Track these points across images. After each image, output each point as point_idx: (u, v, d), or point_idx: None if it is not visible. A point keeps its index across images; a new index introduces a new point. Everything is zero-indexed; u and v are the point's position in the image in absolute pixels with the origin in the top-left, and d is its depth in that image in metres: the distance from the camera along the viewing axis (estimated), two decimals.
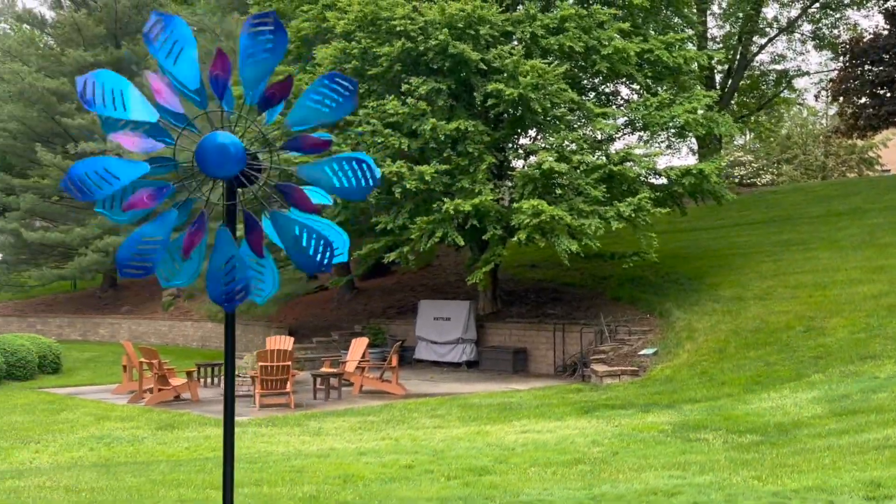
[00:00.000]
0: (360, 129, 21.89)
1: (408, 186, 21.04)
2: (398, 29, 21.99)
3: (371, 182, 6.53)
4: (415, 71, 22.73)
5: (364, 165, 6.49)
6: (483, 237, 22.26)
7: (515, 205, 21.18)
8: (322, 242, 6.53)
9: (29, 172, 39.87)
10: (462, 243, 22.11)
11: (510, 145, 24.59)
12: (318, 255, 6.52)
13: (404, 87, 22.03)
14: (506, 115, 23.09)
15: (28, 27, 44.76)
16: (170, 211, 6.49)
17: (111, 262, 37.07)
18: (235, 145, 6.32)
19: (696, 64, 24.92)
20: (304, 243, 6.53)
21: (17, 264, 39.62)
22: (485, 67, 22.02)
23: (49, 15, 43.85)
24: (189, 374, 19.47)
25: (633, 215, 21.32)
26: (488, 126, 22.95)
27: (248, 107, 6.73)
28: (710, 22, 39.49)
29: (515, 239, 21.42)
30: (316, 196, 6.70)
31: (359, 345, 21.02)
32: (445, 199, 21.26)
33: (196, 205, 6.72)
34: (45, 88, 38.47)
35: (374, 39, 22.72)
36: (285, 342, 20.83)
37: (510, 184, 22.98)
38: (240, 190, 6.69)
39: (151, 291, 38.71)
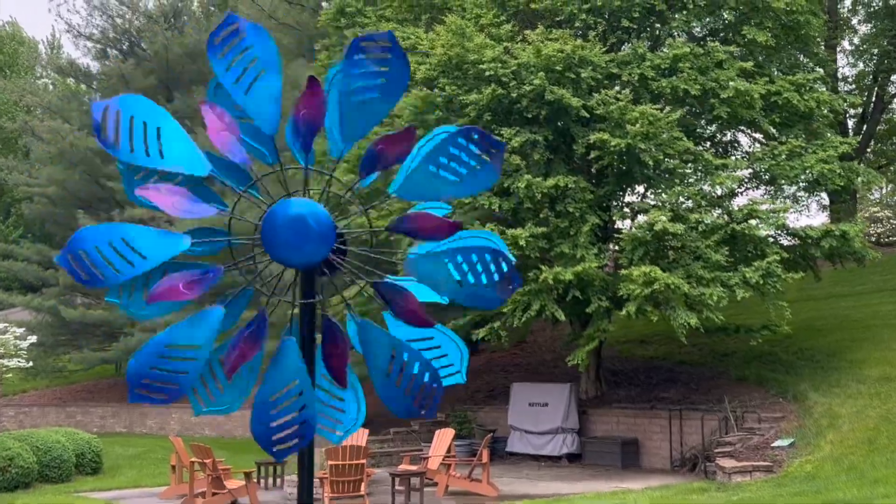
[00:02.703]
0: None
1: None
2: (488, 73, 22.18)
3: (513, 286, 5.33)
4: (507, 121, 22.88)
5: (501, 259, 5.29)
6: (586, 310, 22.07)
7: (624, 272, 21.00)
8: (427, 376, 5.29)
9: None
10: (562, 318, 21.93)
11: (616, 203, 24.50)
12: (414, 394, 5.32)
13: (499, 137, 22.12)
14: (611, 168, 23.06)
15: (72, 81, 46.51)
16: (213, 308, 5.33)
17: None
18: (318, 218, 5.24)
19: (827, 108, 24.61)
20: (397, 374, 5.32)
21: (56, 347, 39.64)
22: (587, 115, 22.08)
23: (95, 66, 45.63)
24: (247, 475, 19.12)
25: (761, 282, 20.94)
26: (591, 182, 22.92)
27: (334, 163, 5.65)
28: (841, 60, 39.25)
29: (624, 312, 21.18)
30: (423, 293, 5.61)
31: (443, 437, 20.68)
32: (543, 267, 21.17)
33: (257, 302, 5.57)
34: (88, 148, 39.45)
35: (459, 86, 22.98)
36: (359, 436, 20.65)
37: (616, 248, 22.87)
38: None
39: None
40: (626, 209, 24.54)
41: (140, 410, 38.67)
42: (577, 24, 23.91)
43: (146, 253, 5.08)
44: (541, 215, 22.09)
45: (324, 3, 36.52)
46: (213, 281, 5.26)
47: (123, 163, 5.20)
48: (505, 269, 5.26)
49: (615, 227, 24.72)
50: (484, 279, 5.27)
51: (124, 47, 43.46)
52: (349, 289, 6.01)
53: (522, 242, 21.03)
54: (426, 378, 5.27)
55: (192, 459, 19.07)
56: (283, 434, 5.19)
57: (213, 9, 43.90)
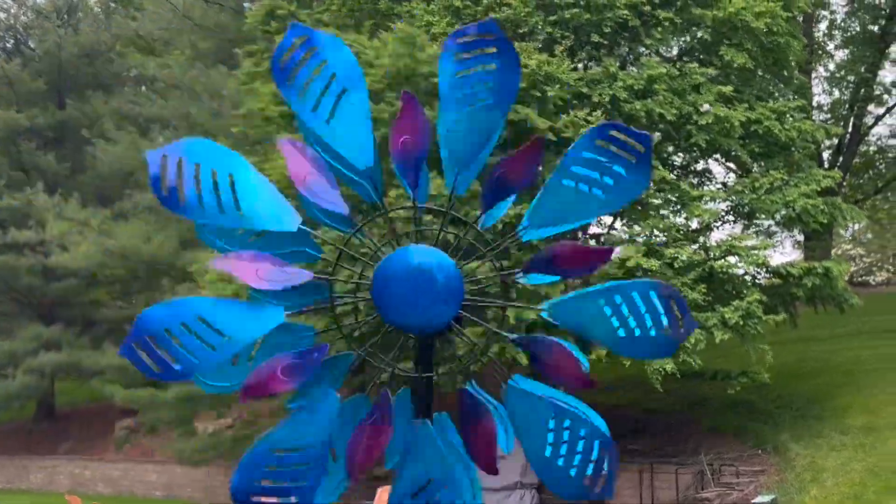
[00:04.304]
0: None
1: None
2: None
3: (687, 328, 4.93)
4: None
5: (670, 296, 4.89)
6: None
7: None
8: (597, 446, 4.97)
9: None
10: (525, 362, 22.64)
11: (581, 235, 25.32)
12: (583, 472, 5.03)
13: None
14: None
15: None
16: (327, 393, 5.04)
17: (48, 385, 37.01)
18: (445, 270, 5.13)
19: (809, 138, 25.74)
20: (563, 449, 5.07)
21: None
22: (554, 138, 22.77)
23: None
24: None
25: (741, 323, 21.90)
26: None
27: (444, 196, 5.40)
28: (815, 87, 40.69)
29: (593, 355, 21.91)
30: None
31: (386, 494, 20.73)
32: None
33: (373, 381, 5.37)
34: None
35: None
36: None
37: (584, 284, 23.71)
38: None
39: (100, 424, 38.52)
40: (591, 242, 25.37)
41: (21, 463, 38.16)
42: (541, 38, 24.71)
43: (230, 332, 4.78)
44: (501, 247, 22.73)
45: (246, 4, 36.88)
46: (318, 363, 4.97)
47: (192, 219, 4.89)
48: (675, 307, 4.88)
49: None
50: (649, 322, 4.91)
51: (8, 45, 43.24)
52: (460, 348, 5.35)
53: (483, 277, 21.63)
54: (596, 450, 4.96)
55: None
56: None
57: (113, 5, 43.99)
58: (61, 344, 35.75)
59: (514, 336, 5.39)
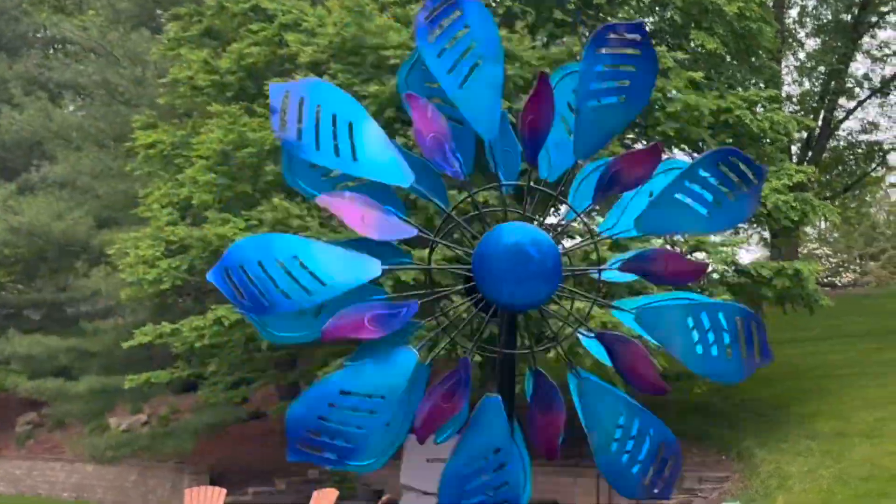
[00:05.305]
0: None
1: (403, 278, 21.92)
2: (391, 62, 22.70)
3: (763, 359, 5.55)
4: None
5: (753, 324, 5.41)
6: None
7: (553, 307, 22.34)
8: (663, 447, 5.42)
9: None
10: (479, 358, 23.18)
11: (536, 221, 25.85)
12: (645, 470, 5.40)
13: (399, 140, 22.91)
14: (540, 183, 24.36)
15: None
16: (403, 349, 5.36)
17: None
18: (542, 248, 5.44)
19: (782, 130, 26.51)
20: (629, 445, 5.45)
21: None
22: (513, 120, 23.29)
23: None
24: None
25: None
26: (515, 198, 24.22)
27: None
28: (785, 76, 41.23)
29: (551, 354, 22.45)
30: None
31: (323, 499, 20.73)
32: (455, 298, 22.19)
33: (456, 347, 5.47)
34: None
35: (355, 74, 23.48)
36: (213, 496, 20.51)
37: None
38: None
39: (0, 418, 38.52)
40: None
41: None
42: (500, 13, 25.10)
43: (327, 279, 4.97)
44: (455, 235, 23.19)
45: None
46: (407, 318, 5.37)
47: (301, 159, 5.11)
48: (756, 337, 5.44)
49: None
50: (728, 346, 5.42)
51: None
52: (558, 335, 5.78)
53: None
54: (661, 450, 5.41)
55: None
56: None
57: None
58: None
59: (596, 331, 5.67)
